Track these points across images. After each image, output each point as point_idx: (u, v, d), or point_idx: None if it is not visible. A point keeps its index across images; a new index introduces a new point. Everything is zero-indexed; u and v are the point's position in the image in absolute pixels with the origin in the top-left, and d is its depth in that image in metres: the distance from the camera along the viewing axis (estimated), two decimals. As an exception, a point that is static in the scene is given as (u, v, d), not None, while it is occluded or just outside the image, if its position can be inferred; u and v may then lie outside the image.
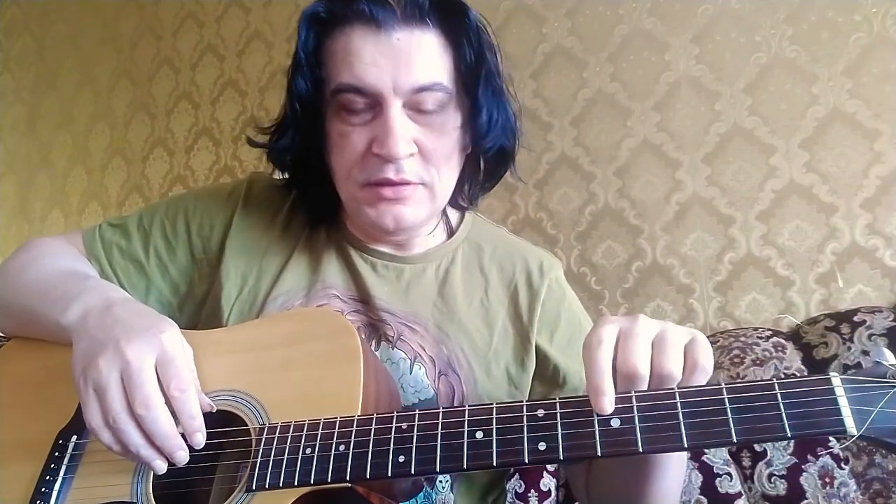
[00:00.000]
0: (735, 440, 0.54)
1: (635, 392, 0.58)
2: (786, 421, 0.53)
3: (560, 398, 0.61)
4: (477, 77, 0.77)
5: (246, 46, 2.47)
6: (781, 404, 0.54)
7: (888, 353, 0.55)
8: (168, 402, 0.65)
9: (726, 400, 0.55)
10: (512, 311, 0.87)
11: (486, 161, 0.87)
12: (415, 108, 0.75)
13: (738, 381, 0.59)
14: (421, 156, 0.77)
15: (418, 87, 0.74)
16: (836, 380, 0.54)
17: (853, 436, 0.52)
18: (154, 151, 2.62)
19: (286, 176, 0.88)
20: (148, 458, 0.65)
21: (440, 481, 0.82)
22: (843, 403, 0.53)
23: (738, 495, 1.34)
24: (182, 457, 0.65)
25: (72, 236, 0.91)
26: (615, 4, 1.88)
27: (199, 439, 0.66)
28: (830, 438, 1.33)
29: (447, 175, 0.81)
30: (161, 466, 0.65)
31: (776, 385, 0.55)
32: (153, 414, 0.63)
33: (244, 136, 2.47)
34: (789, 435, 0.53)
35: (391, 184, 0.76)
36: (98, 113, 2.75)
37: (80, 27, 2.85)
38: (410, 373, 0.81)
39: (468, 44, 0.77)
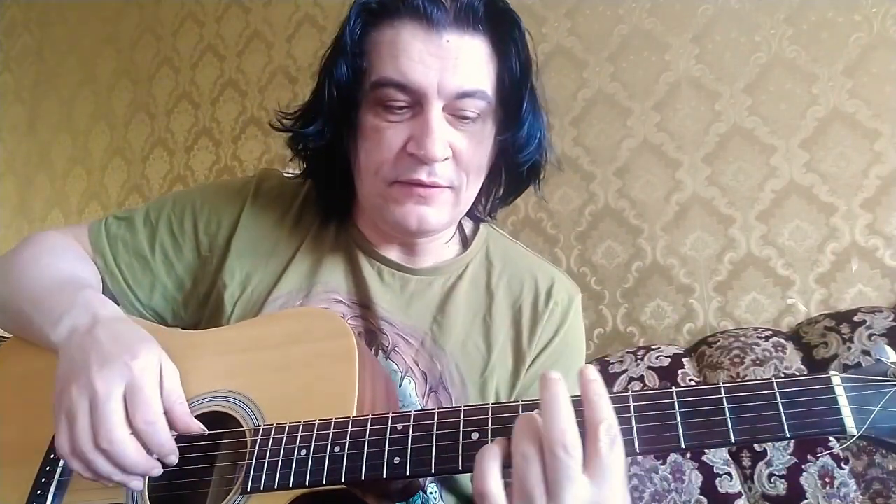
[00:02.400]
0: (733, 440, 0.53)
1: (632, 392, 0.58)
2: (784, 421, 0.53)
3: None
4: (521, 91, 0.76)
5: (246, 46, 2.47)
6: (780, 404, 0.53)
7: (889, 351, 0.54)
8: None
9: (724, 400, 0.55)
10: (513, 334, 0.85)
11: (516, 175, 0.84)
12: (454, 113, 0.74)
13: (738, 380, 0.58)
14: (454, 161, 0.75)
15: (462, 93, 0.72)
16: (835, 378, 0.53)
17: (853, 436, 0.51)
18: (154, 151, 2.62)
19: (303, 166, 0.86)
20: (122, 482, 0.65)
21: (431, 493, 0.81)
22: (843, 403, 0.52)
23: (738, 495, 1.34)
24: (155, 473, 0.65)
25: (78, 230, 0.90)
26: (615, 4, 1.88)
27: (173, 460, 0.66)
28: (830, 438, 1.33)
29: (474, 183, 0.80)
30: (138, 486, 0.66)
31: (775, 384, 0.54)
32: (117, 448, 0.62)
33: (244, 135, 2.50)
34: (788, 435, 0.52)
35: (422, 185, 0.75)
36: (98, 113, 2.76)
37: (80, 27, 2.85)
38: (400, 387, 0.80)
39: (516, 55, 0.75)
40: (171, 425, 0.66)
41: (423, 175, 0.74)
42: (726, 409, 0.54)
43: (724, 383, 0.56)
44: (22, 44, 3.00)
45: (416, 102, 0.73)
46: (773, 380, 0.54)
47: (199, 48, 2.57)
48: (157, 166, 2.60)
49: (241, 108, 2.45)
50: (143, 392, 0.64)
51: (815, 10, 1.65)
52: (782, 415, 0.53)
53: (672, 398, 0.56)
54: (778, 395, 0.54)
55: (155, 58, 2.65)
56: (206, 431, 0.68)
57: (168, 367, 0.68)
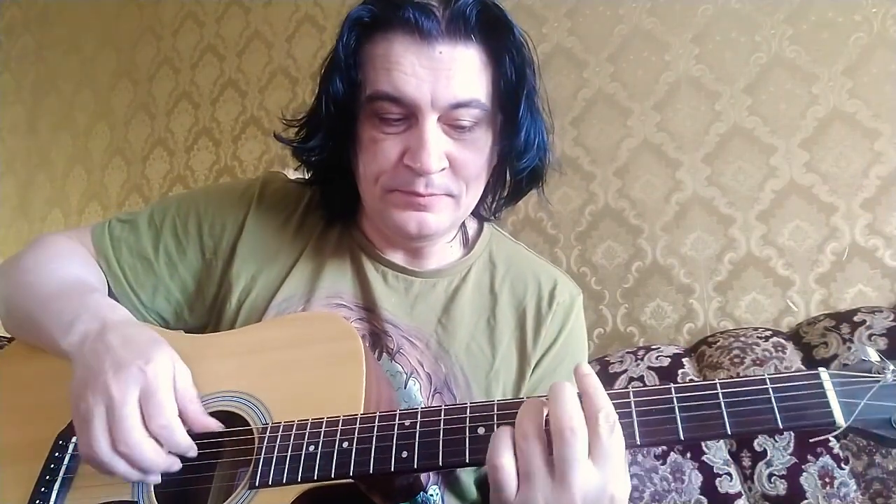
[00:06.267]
0: (729, 432, 0.56)
1: (632, 388, 0.59)
2: (777, 414, 0.56)
3: None
4: (517, 97, 0.76)
5: (246, 46, 2.48)
6: (773, 398, 0.57)
7: (871, 352, 0.58)
8: None
9: (720, 395, 0.58)
10: (518, 336, 0.86)
11: (517, 180, 0.86)
12: (450, 123, 0.74)
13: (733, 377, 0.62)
14: (451, 170, 0.76)
15: (456, 103, 0.73)
16: (824, 374, 0.57)
17: (841, 427, 0.55)
18: (154, 151, 2.62)
19: (308, 173, 0.87)
20: (140, 479, 0.66)
21: (432, 494, 0.81)
22: (832, 397, 0.56)
23: (738, 495, 1.34)
24: (174, 469, 0.66)
25: (82, 233, 0.90)
26: (615, 4, 1.88)
27: (192, 455, 0.67)
28: (830, 438, 1.32)
29: (474, 189, 0.80)
30: (156, 479, 0.67)
31: (768, 380, 0.58)
32: (135, 451, 0.63)
33: (244, 135, 2.50)
34: (781, 427, 0.56)
35: (419, 195, 0.76)
36: (98, 113, 2.76)
37: (80, 27, 2.85)
38: (405, 388, 0.81)
39: (510, 61, 0.75)
40: (187, 425, 0.66)
41: (420, 187, 0.75)
42: (722, 404, 0.57)
43: (719, 380, 0.59)
44: (22, 44, 3.00)
45: (411, 115, 0.73)
46: (766, 376, 0.58)
47: (199, 48, 2.57)
48: (157, 166, 2.60)
49: (241, 108, 2.46)
50: (157, 395, 0.65)
51: (815, 10, 1.65)
52: (775, 408, 0.56)
53: (671, 393, 0.59)
54: (771, 390, 0.57)
55: (155, 58, 2.66)
56: (223, 427, 0.69)
57: (181, 368, 0.69)
